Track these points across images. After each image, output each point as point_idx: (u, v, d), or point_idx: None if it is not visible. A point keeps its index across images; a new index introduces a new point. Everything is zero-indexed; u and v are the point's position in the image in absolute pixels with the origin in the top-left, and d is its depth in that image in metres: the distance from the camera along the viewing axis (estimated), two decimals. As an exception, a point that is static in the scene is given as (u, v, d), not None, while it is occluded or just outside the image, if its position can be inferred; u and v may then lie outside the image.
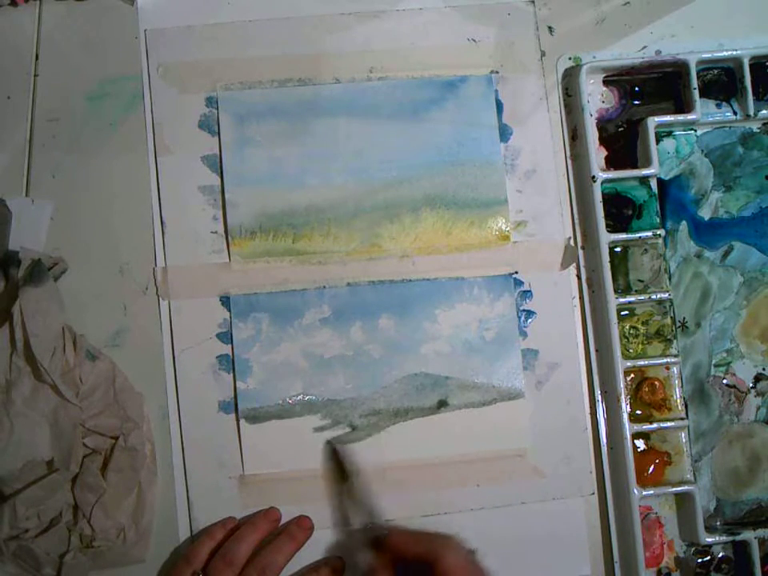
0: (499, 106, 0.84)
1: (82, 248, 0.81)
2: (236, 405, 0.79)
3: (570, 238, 0.83)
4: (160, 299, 0.80)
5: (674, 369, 0.81)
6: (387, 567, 0.70)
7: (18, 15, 0.83)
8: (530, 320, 0.82)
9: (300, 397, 0.80)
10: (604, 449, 0.81)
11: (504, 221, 0.82)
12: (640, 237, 0.81)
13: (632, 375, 0.82)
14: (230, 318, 0.80)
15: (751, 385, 0.83)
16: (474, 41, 0.84)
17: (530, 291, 0.82)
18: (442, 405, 0.81)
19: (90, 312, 0.80)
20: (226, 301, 0.80)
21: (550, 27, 0.85)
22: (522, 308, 0.82)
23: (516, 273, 0.82)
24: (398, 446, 0.80)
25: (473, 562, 0.70)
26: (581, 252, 0.83)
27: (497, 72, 0.84)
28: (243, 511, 0.79)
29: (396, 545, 0.71)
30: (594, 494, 0.81)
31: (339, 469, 0.79)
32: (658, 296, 0.81)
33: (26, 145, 0.81)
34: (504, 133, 0.83)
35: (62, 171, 0.81)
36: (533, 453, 0.81)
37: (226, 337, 0.80)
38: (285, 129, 0.82)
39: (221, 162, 0.81)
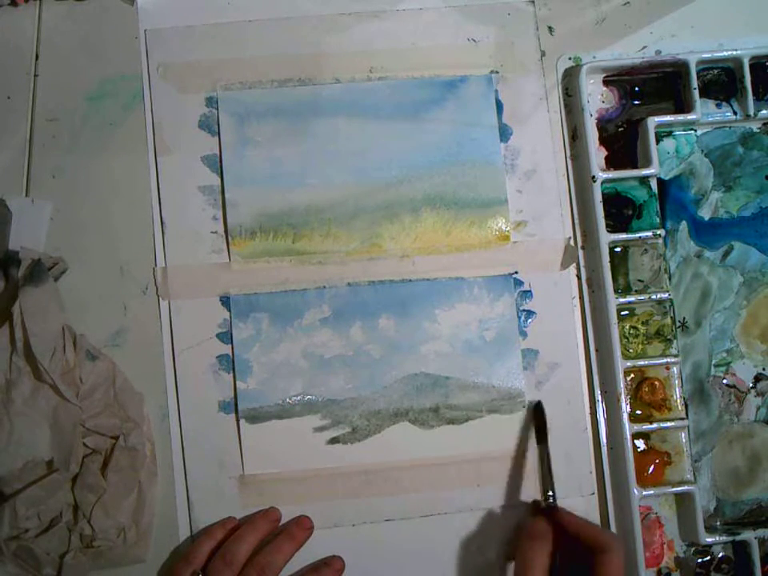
0: (499, 106, 0.84)
1: (82, 248, 0.80)
2: (236, 405, 0.79)
3: (570, 237, 0.83)
4: (160, 299, 0.80)
5: (674, 369, 0.81)
6: (548, 536, 0.71)
7: (18, 15, 0.83)
8: (529, 320, 0.82)
9: (300, 397, 0.80)
10: (604, 449, 0.81)
11: (504, 221, 0.82)
12: (640, 237, 0.81)
13: (632, 375, 0.82)
14: (230, 318, 0.80)
15: (751, 385, 0.83)
16: (474, 41, 0.84)
17: (530, 291, 0.82)
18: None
19: (90, 312, 0.80)
20: (225, 301, 0.80)
21: (549, 27, 0.85)
22: (521, 308, 0.82)
23: (516, 273, 0.82)
24: (398, 446, 0.80)
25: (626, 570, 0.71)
26: (581, 252, 0.83)
27: (497, 72, 0.84)
28: (243, 511, 0.79)
29: (563, 519, 0.73)
30: (593, 493, 0.81)
31: (539, 428, 0.80)
32: (658, 296, 0.81)
33: (25, 145, 0.81)
34: (504, 133, 0.83)
35: (62, 171, 0.81)
36: (533, 452, 0.81)
37: (226, 337, 0.80)
38: (285, 129, 0.82)
39: (221, 161, 0.81)
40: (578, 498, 0.81)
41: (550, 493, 0.76)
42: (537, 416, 0.80)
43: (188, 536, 0.78)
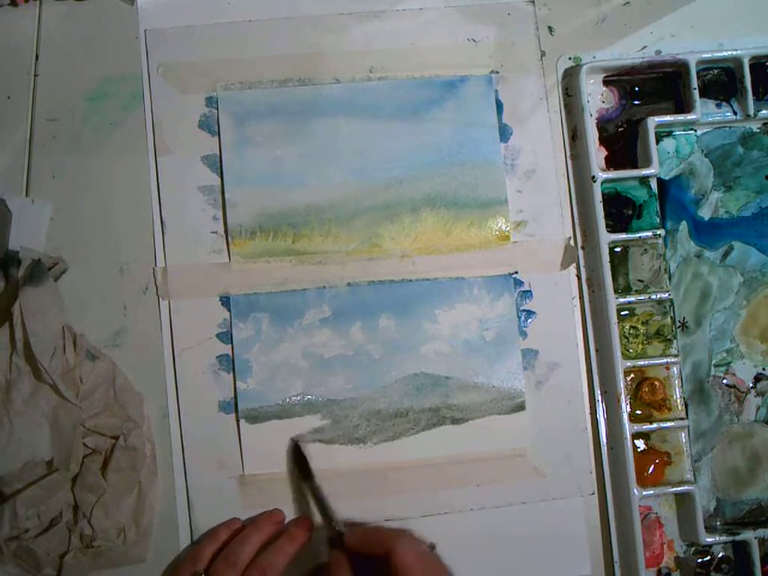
0: (499, 106, 0.84)
1: (82, 248, 0.80)
2: (236, 405, 0.79)
3: (570, 237, 0.83)
4: (160, 299, 0.80)
5: (674, 369, 0.81)
6: (344, 565, 0.70)
7: (18, 15, 0.83)
8: (530, 320, 0.82)
9: (300, 397, 0.80)
10: (604, 449, 0.81)
11: (504, 221, 0.82)
12: (640, 237, 0.81)
13: (632, 375, 0.82)
14: (230, 318, 0.80)
15: (751, 385, 0.83)
16: (474, 41, 0.84)
17: (530, 291, 0.82)
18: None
19: (90, 312, 0.80)
20: (225, 301, 0.80)
21: (549, 27, 0.85)
22: (521, 308, 0.82)
23: (516, 273, 0.82)
24: (398, 446, 0.80)
25: (427, 556, 0.69)
26: (581, 252, 0.83)
27: (497, 72, 0.84)
28: (243, 511, 0.78)
29: (351, 542, 0.71)
30: (593, 493, 0.81)
31: (301, 467, 0.79)
32: (658, 296, 0.81)
33: (25, 145, 0.81)
34: (504, 133, 0.83)
35: (62, 171, 0.81)
36: (533, 453, 0.81)
37: (226, 337, 0.80)
38: (285, 129, 0.82)
39: (221, 161, 0.81)
40: (577, 498, 0.81)
41: (336, 528, 0.75)
42: (296, 455, 0.79)
43: (188, 536, 0.78)
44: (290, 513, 0.79)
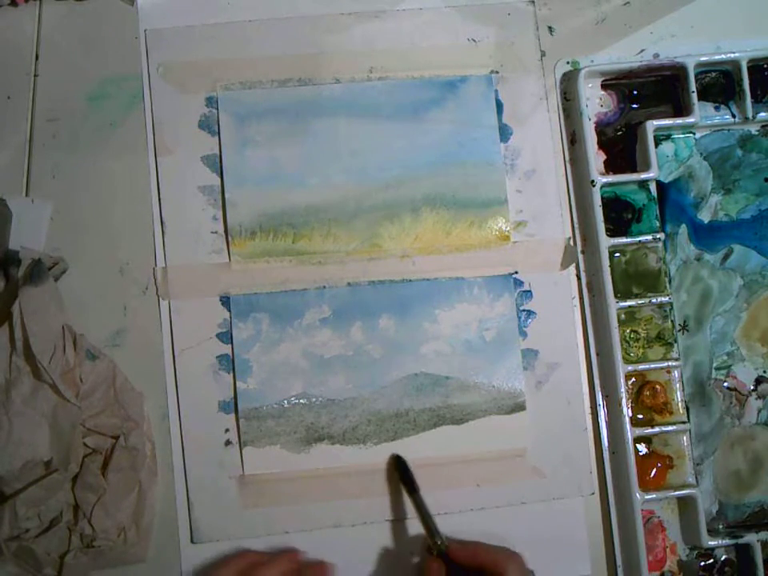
0: (499, 106, 0.84)
1: (81, 248, 0.80)
2: (236, 405, 0.79)
3: (569, 237, 0.83)
4: (160, 299, 0.80)
5: (675, 372, 0.81)
6: (441, 572, 0.72)
7: (18, 15, 0.83)
8: (529, 320, 0.82)
9: (300, 397, 0.80)
10: (606, 453, 0.81)
11: (504, 221, 0.83)
12: (640, 240, 0.81)
13: (633, 379, 0.82)
14: (230, 318, 0.80)
15: (752, 387, 0.83)
16: (474, 41, 0.84)
17: (530, 291, 0.82)
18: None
19: (90, 312, 0.80)
20: (226, 301, 0.80)
21: (550, 27, 0.86)
22: (522, 308, 0.82)
23: (516, 273, 0.82)
24: (398, 446, 0.80)
25: None
26: (581, 256, 0.83)
27: (497, 72, 0.84)
28: (243, 511, 0.78)
29: (456, 555, 0.73)
30: (593, 494, 0.81)
31: (406, 480, 0.78)
32: (659, 299, 0.81)
33: (25, 145, 0.81)
34: (504, 133, 0.84)
35: (62, 171, 0.81)
36: (533, 453, 0.81)
37: (226, 337, 0.80)
38: (285, 129, 0.82)
39: (221, 161, 0.81)
40: (578, 498, 0.81)
41: (438, 542, 0.75)
42: (400, 470, 0.79)
43: (188, 536, 0.78)
44: (288, 512, 0.79)
